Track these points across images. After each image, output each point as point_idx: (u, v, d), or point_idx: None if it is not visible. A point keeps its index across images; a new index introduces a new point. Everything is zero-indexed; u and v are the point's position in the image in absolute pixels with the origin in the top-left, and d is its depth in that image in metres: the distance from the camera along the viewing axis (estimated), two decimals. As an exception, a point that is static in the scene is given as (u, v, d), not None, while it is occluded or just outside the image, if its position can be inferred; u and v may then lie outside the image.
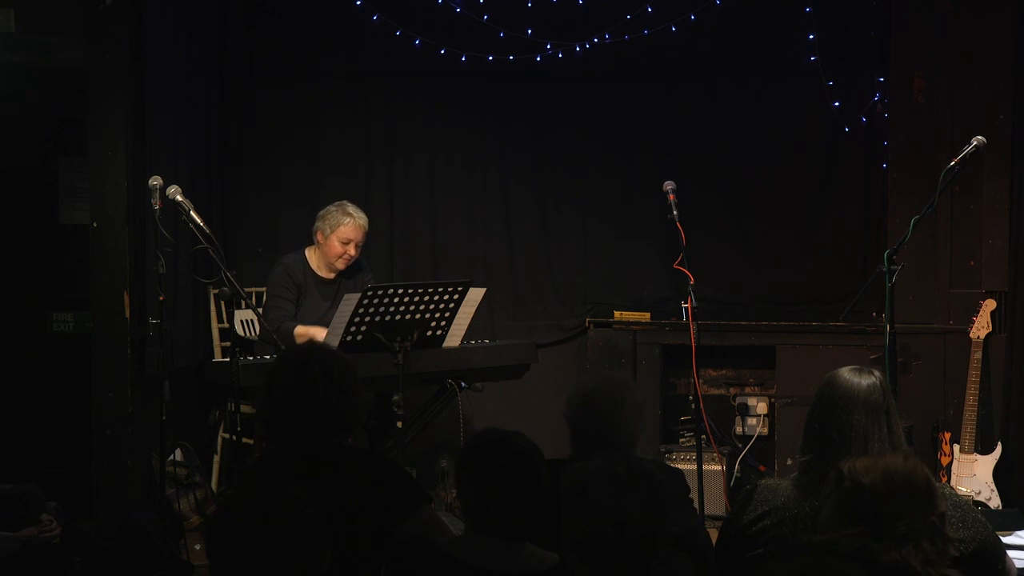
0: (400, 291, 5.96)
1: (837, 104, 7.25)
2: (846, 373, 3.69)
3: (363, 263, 6.84)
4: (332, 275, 6.69)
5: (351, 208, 6.61)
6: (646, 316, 7.35)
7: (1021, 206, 6.79)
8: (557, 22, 7.33)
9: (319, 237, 6.62)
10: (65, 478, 6.32)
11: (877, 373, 3.71)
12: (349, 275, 6.72)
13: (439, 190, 7.68)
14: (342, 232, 6.56)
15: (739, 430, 7.39)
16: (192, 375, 6.93)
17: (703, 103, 7.55)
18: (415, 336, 6.00)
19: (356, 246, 6.60)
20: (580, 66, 7.41)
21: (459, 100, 7.66)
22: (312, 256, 6.68)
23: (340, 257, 6.60)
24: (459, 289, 6.11)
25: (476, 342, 6.60)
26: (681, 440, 7.31)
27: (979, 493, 6.44)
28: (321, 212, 6.65)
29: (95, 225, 6.28)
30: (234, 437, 5.74)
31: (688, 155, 7.55)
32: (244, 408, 5.64)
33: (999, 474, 6.53)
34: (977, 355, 6.59)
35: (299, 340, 6.22)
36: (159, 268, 5.67)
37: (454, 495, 6.16)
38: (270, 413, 3.92)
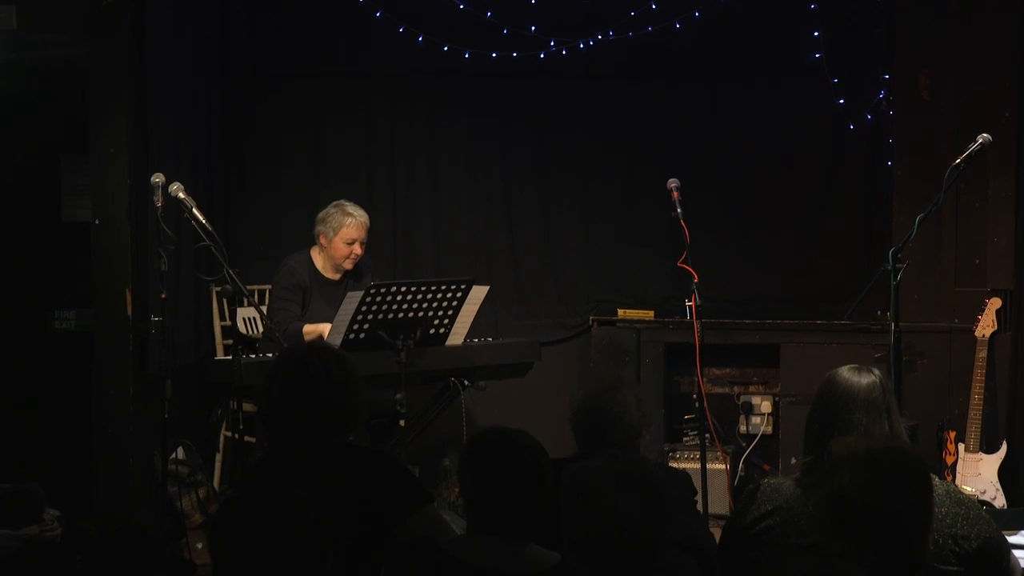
0: (403, 289, 5.95)
1: (842, 102, 7.23)
2: (845, 372, 3.69)
3: (369, 264, 6.82)
4: (338, 276, 6.67)
5: (350, 207, 6.58)
6: (650, 314, 7.34)
7: (1027, 204, 6.79)
8: (561, 19, 7.31)
9: (322, 240, 6.59)
10: (67, 477, 6.30)
11: (877, 371, 3.71)
12: (356, 277, 6.69)
13: (442, 187, 7.66)
14: (345, 233, 6.53)
15: (743, 429, 7.37)
16: (194, 373, 6.90)
17: (707, 100, 7.54)
18: (418, 334, 5.98)
19: (361, 244, 6.58)
20: (584, 63, 7.40)
21: (462, 98, 7.64)
22: (317, 257, 6.65)
23: (347, 258, 6.57)
24: (462, 287, 6.10)
25: (479, 340, 6.58)
26: (685, 439, 7.29)
27: (984, 492, 6.42)
28: (320, 215, 6.61)
29: (97, 223, 6.28)
30: (236, 435, 5.73)
31: (692, 152, 7.54)
32: (246, 406, 5.63)
33: (1004, 473, 6.51)
34: (982, 354, 6.56)
35: (308, 337, 6.21)
36: (161, 266, 5.65)
37: (457, 493, 6.15)
38: (271, 412, 3.91)
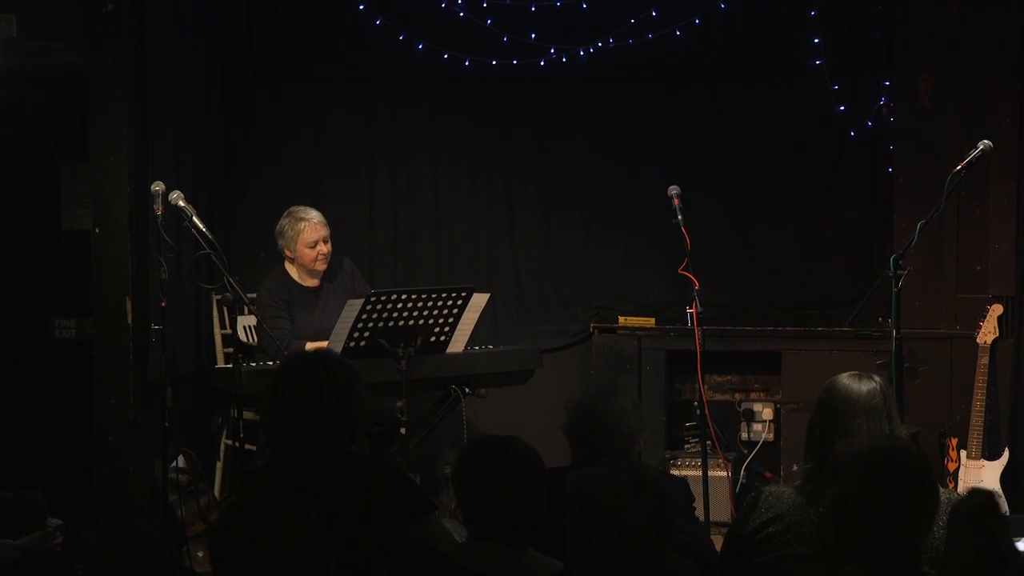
0: (403, 297, 5.94)
1: (842, 108, 7.22)
2: (845, 379, 3.70)
3: (344, 263, 6.82)
4: (316, 282, 6.67)
5: (301, 212, 6.60)
6: (651, 321, 7.33)
7: (1028, 210, 6.78)
8: (561, 26, 7.30)
9: (287, 253, 6.61)
10: (67, 485, 6.29)
11: (877, 378, 3.71)
12: (331, 278, 6.70)
13: (442, 195, 7.65)
14: (304, 238, 6.54)
15: (744, 436, 7.36)
16: (194, 381, 6.90)
17: (707, 107, 7.53)
18: (418, 342, 5.98)
19: (325, 241, 6.59)
20: (584, 70, 7.39)
21: (462, 104, 7.63)
22: (291, 269, 6.66)
23: (316, 259, 6.59)
24: (463, 294, 6.09)
25: (480, 348, 6.58)
26: (686, 446, 7.28)
27: (986, 499, 6.40)
28: (276, 230, 6.62)
29: (97, 231, 6.27)
30: (237, 443, 5.72)
31: (693, 159, 7.53)
32: (247, 414, 5.62)
33: (1006, 480, 6.50)
34: (984, 360, 6.55)
35: None
36: (161, 274, 5.66)
37: (457, 502, 6.14)
38: (273, 419, 3.91)
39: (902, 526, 2.98)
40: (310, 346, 6.31)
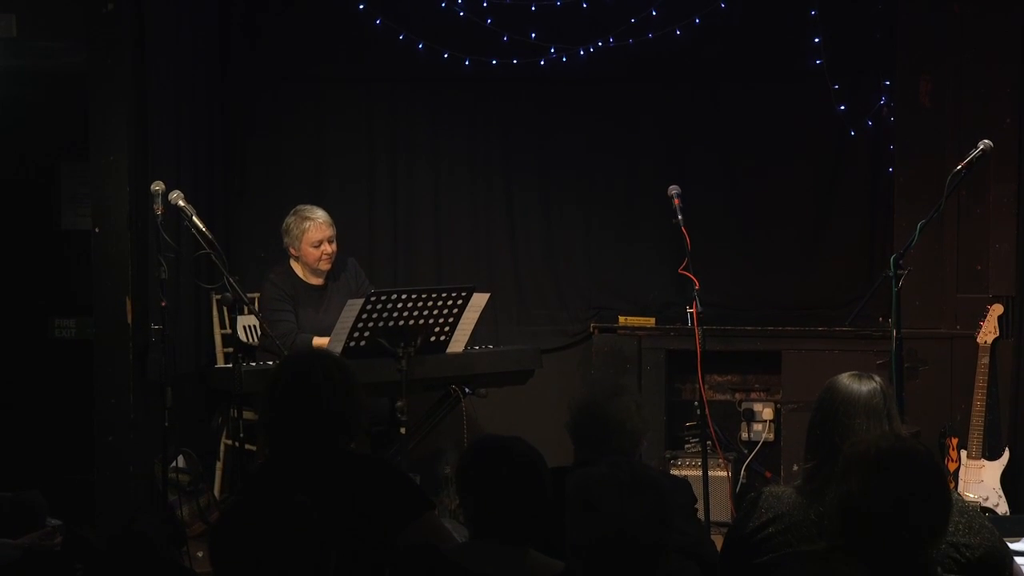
0: (404, 296, 5.94)
1: (843, 108, 7.21)
2: (846, 379, 3.69)
3: (348, 262, 6.82)
4: (321, 281, 6.67)
5: (307, 211, 6.60)
6: (651, 321, 7.32)
7: (1028, 210, 6.78)
8: (561, 26, 7.30)
9: (292, 251, 6.61)
10: (67, 485, 6.29)
11: (877, 378, 3.70)
12: (335, 277, 6.70)
13: (443, 194, 7.65)
14: (309, 237, 6.54)
15: (745, 436, 7.36)
16: (194, 381, 6.91)
17: (708, 107, 7.52)
18: (419, 342, 5.97)
19: (329, 241, 6.59)
20: (584, 70, 7.38)
21: (463, 104, 7.63)
22: (296, 267, 6.66)
23: (320, 259, 6.58)
24: (463, 294, 6.09)
25: (480, 348, 6.57)
26: (687, 446, 7.28)
27: (987, 499, 6.40)
28: (282, 227, 6.63)
29: (97, 230, 6.27)
30: (237, 443, 5.72)
31: (693, 159, 7.52)
32: (247, 414, 5.62)
33: (1007, 480, 6.49)
34: (984, 360, 6.55)
35: None
36: (161, 274, 5.66)
37: (457, 502, 6.14)
38: (272, 419, 3.91)
39: (907, 527, 2.97)
40: (316, 341, 6.31)
